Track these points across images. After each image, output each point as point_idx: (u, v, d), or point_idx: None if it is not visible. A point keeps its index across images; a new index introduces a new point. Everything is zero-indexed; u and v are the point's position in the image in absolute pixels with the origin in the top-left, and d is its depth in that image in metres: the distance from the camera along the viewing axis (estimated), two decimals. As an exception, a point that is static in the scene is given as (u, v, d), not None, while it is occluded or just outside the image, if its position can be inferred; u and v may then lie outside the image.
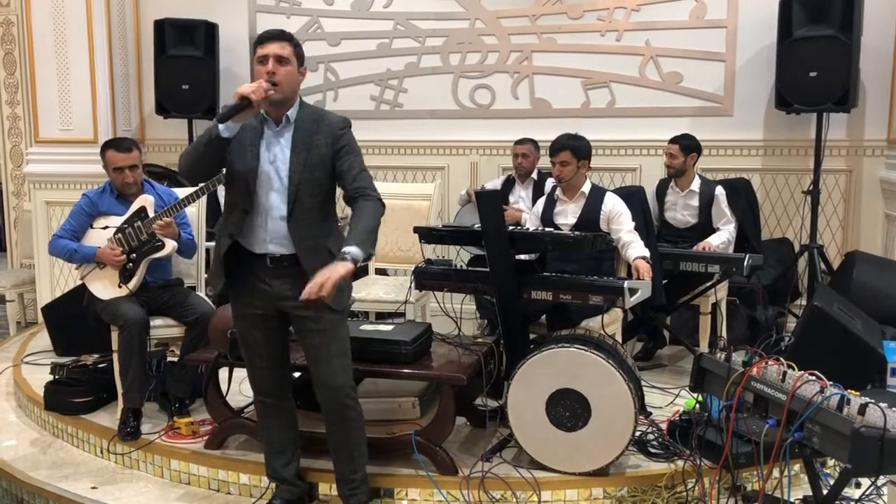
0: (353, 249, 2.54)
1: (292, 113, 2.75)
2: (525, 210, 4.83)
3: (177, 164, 3.05)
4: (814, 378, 2.45)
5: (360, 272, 4.22)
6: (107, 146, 3.77)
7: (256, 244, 2.76)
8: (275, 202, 2.72)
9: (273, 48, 2.67)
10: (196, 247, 3.90)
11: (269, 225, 2.73)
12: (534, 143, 4.98)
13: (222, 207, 4.88)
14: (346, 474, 2.94)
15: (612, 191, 4.01)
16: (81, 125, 5.34)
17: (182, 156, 2.77)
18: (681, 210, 4.62)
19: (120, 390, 3.60)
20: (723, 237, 4.45)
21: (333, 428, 2.91)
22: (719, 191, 4.52)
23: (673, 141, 4.57)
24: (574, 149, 3.78)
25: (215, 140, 2.61)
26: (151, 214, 3.61)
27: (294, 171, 2.71)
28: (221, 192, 4.78)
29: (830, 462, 3.10)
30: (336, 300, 2.67)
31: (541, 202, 4.08)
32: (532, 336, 3.55)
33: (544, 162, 4.98)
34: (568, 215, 3.88)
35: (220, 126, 2.59)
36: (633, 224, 3.77)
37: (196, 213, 4.02)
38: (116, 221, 3.69)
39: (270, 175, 2.72)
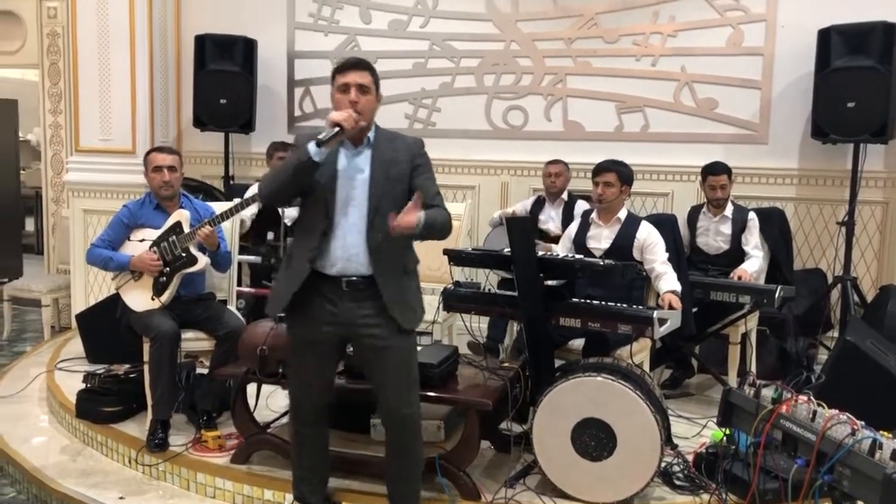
0: (421, 215, 2.62)
1: (371, 134, 2.78)
2: (554, 229, 4.85)
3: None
4: (845, 419, 2.42)
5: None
6: (150, 151, 3.93)
7: (330, 265, 2.72)
8: (354, 221, 2.71)
9: (354, 77, 2.70)
10: (231, 261, 3.96)
11: (348, 244, 2.70)
12: (565, 164, 5.02)
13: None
14: None
15: (644, 218, 4.00)
16: (121, 136, 5.46)
17: (264, 182, 2.79)
18: (713, 235, 4.58)
19: (150, 401, 3.65)
20: (755, 265, 4.41)
21: (397, 460, 2.87)
22: (752, 216, 4.49)
23: (719, 171, 4.49)
24: (620, 172, 3.83)
25: (307, 163, 2.60)
26: (186, 230, 3.67)
27: (375, 185, 2.71)
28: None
29: None
30: (407, 318, 2.75)
31: (574, 224, 4.07)
32: (560, 363, 3.54)
33: (574, 185, 5.01)
34: (601, 240, 3.87)
35: (313, 150, 2.59)
36: (666, 255, 3.74)
37: (230, 227, 4.06)
38: (152, 234, 3.75)
39: (349, 194, 2.72)
